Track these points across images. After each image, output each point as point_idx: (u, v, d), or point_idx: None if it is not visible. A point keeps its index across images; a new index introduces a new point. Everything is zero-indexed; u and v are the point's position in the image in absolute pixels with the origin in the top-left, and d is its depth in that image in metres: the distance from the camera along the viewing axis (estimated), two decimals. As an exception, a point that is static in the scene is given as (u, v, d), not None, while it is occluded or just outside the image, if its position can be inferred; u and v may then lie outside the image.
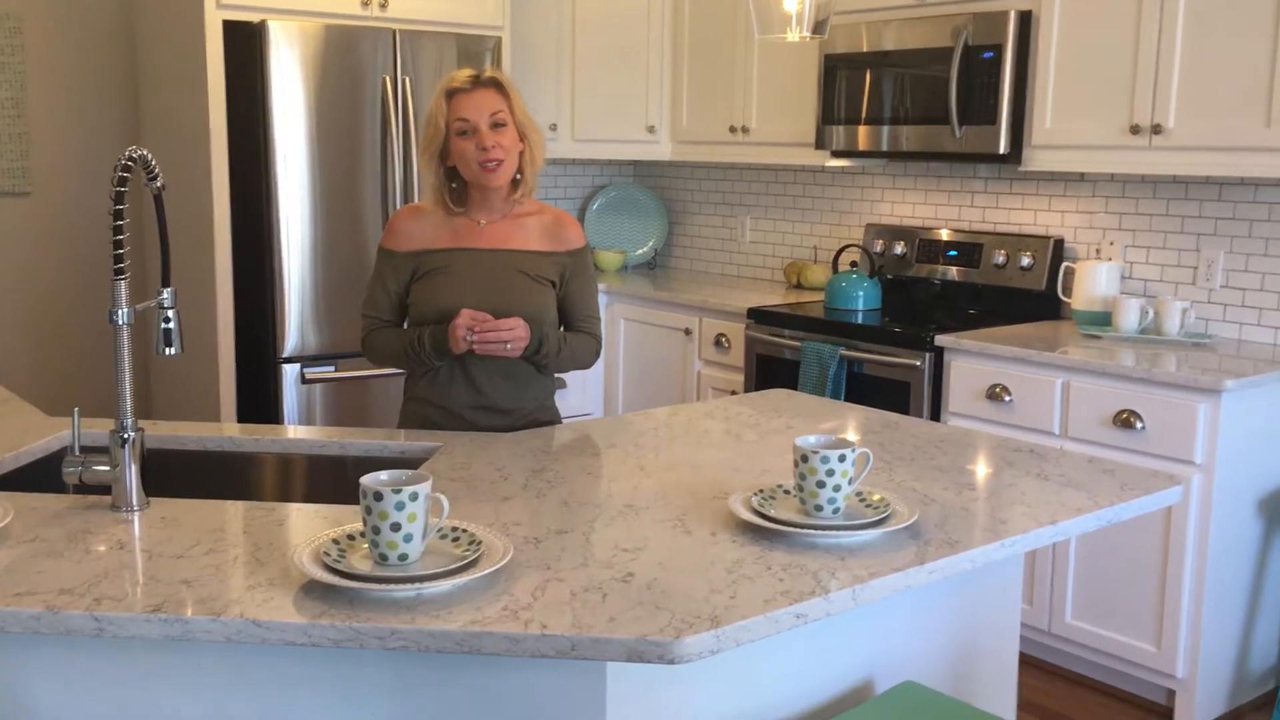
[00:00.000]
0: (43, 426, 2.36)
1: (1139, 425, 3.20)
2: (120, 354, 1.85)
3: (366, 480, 1.56)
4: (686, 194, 5.57)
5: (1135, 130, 3.48)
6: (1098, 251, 3.99)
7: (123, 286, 1.83)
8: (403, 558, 1.55)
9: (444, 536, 1.65)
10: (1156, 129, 3.43)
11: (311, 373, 4.22)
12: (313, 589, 1.51)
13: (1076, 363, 3.35)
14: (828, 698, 1.88)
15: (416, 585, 1.49)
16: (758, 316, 4.28)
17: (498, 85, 2.48)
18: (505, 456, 2.20)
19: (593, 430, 2.47)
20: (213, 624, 1.43)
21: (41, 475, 2.19)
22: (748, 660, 1.73)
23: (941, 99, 3.90)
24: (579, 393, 4.86)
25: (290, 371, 4.19)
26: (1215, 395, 3.07)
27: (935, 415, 3.70)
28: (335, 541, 1.61)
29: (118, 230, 1.80)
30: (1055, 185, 4.10)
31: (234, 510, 1.86)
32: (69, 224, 4.68)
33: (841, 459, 1.76)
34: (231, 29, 4.08)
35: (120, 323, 1.84)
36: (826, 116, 4.31)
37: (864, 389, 3.84)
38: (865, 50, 4.14)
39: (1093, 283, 3.77)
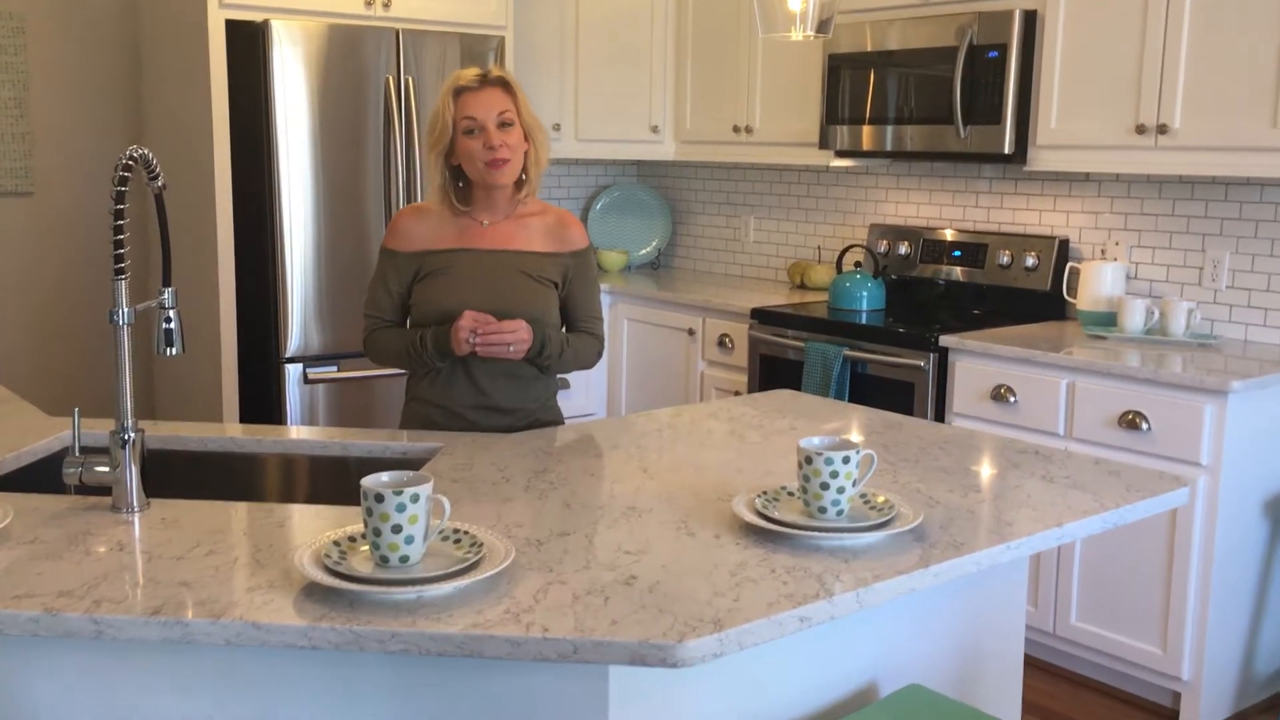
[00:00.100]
0: (43, 427, 2.35)
1: (1144, 426, 3.19)
2: (120, 354, 1.85)
3: (367, 482, 1.56)
4: (690, 194, 5.56)
5: (1141, 130, 3.46)
6: (1103, 252, 3.97)
7: (123, 286, 1.82)
8: (404, 560, 1.55)
9: (445, 538, 1.64)
10: (1162, 129, 3.42)
11: (314, 373, 4.21)
12: (313, 591, 1.51)
13: (1081, 363, 3.34)
14: (832, 701, 1.87)
15: (417, 588, 1.49)
16: (761, 317, 4.27)
17: (505, 84, 2.48)
18: (507, 457, 2.19)
19: (595, 431, 2.47)
20: (212, 626, 1.42)
21: (42, 476, 2.18)
22: (751, 663, 1.72)
23: (946, 99, 3.88)
24: (582, 393, 4.85)
25: (293, 371, 4.19)
26: (1221, 396, 3.06)
27: (939, 416, 3.69)
28: (336, 543, 1.60)
29: (118, 230, 1.80)
30: (1060, 185, 4.08)
31: (235, 511, 1.86)
32: (72, 224, 4.68)
33: (846, 460, 1.75)
34: (234, 28, 4.08)
35: (120, 323, 1.83)
36: (830, 116, 4.30)
37: (868, 390, 3.83)
38: (869, 49, 4.13)
39: (1098, 283, 3.76)
